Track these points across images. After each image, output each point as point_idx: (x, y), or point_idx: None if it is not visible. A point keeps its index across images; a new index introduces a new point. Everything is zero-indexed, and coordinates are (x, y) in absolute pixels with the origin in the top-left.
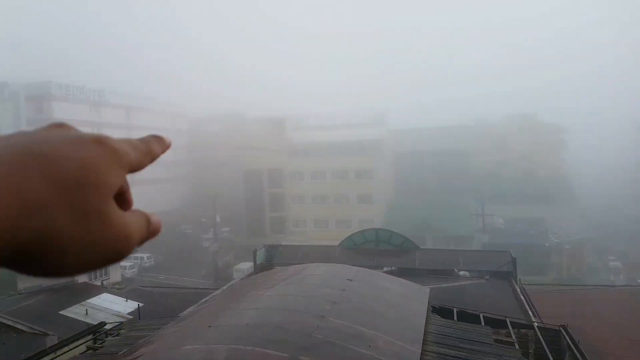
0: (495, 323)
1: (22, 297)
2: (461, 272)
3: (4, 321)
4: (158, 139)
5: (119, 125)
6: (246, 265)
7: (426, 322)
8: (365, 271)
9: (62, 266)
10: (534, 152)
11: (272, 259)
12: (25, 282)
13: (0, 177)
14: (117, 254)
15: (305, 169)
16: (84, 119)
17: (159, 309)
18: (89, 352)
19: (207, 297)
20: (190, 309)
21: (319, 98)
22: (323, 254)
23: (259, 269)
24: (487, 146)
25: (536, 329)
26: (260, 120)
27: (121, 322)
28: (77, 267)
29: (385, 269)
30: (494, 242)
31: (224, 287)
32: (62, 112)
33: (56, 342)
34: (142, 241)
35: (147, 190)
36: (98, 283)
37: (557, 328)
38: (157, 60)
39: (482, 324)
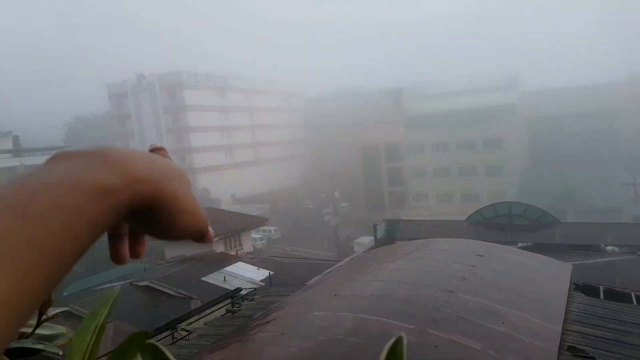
0: None
1: (170, 265)
2: (608, 247)
3: (156, 287)
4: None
5: (242, 109)
6: (366, 240)
7: (568, 300)
8: (497, 247)
9: (177, 224)
10: None
11: (393, 234)
12: (172, 252)
13: (151, 159)
14: (204, 228)
15: (426, 141)
16: (212, 104)
17: (287, 277)
18: (228, 314)
19: (331, 268)
20: (316, 278)
21: (438, 64)
22: (448, 229)
23: (380, 243)
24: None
25: None
26: (376, 93)
27: (255, 289)
28: (185, 228)
29: (520, 244)
30: None
31: (347, 260)
32: (192, 99)
33: (199, 305)
34: (205, 232)
35: (270, 169)
36: (233, 253)
37: None
38: (272, 43)
39: (634, 303)
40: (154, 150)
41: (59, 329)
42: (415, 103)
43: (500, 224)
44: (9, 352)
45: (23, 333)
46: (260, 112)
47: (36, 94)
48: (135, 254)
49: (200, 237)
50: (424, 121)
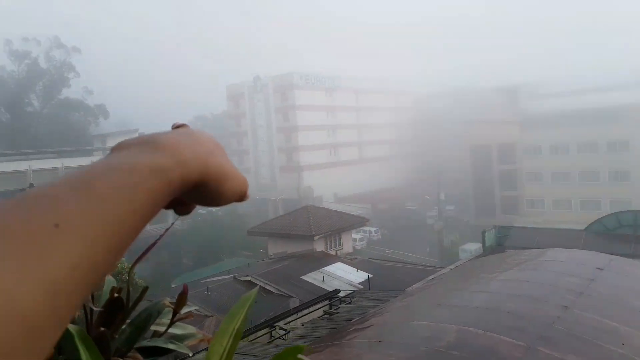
0: None
1: (272, 262)
2: None
3: (258, 282)
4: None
5: (349, 108)
6: (474, 247)
7: None
8: (620, 260)
9: (224, 191)
10: None
11: (503, 242)
12: (275, 249)
13: (193, 138)
14: (245, 189)
15: (543, 143)
16: (321, 104)
17: (386, 281)
18: (325, 316)
19: (434, 275)
20: (417, 284)
21: (556, 61)
22: (565, 239)
23: (489, 251)
24: None
25: None
26: (490, 90)
27: (353, 291)
28: (231, 194)
29: None
30: None
31: (451, 267)
32: (301, 99)
33: (298, 304)
34: (245, 192)
35: (374, 168)
36: (333, 253)
37: None
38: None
39: None
40: (177, 127)
41: (190, 329)
42: (532, 102)
43: (624, 234)
44: (141, 350)
45: (156, 332)
46: (367, 111)
47: (161, 94)
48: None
49: (242, 197)
50: (542, 121)
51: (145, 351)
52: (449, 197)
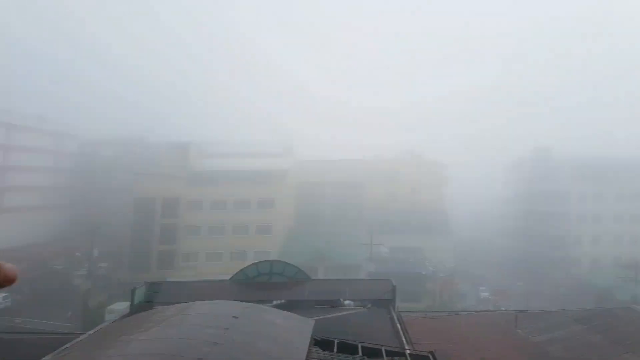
0: (372, 352)
1: None
2: (346, 302)
3: None
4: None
5: None
6: (122, 306)
7: (307, 356)
8: (253, 307)
9: None
10: (419, 186)
11: (153, 298)
12: None
13: None
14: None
15: (206, 198)
16: None
17: (8, 358)
18: None
19: (70, 344)
20: (47, 357)
21: (224, 125)
22: (213, 290)
23: (136, 309)
24: (380, 180)
25: (407, 356)
26: (162, 145)
27: None
28: None
29: (275, 302)
30: (380, 270)
31: (91, 332)
32: None
33: None
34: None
35: (17, 220)
36: None
37: (427, 354)
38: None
39: (360, 354)
40: None
41: None
42: (199, 160)
43: (261, 282)
44: None
45: None
46: (19, 151)
47: None
48: None
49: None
50: (206, 178)
51: None
52: (104, 254)
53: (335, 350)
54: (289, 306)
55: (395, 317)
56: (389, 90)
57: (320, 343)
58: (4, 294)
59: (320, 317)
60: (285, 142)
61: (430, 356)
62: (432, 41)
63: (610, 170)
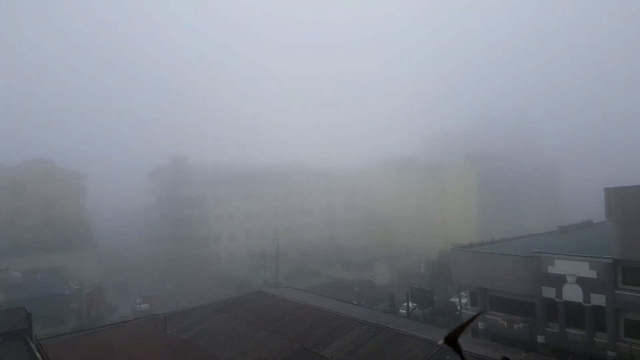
0: None
1: None
2: None
3: None
4: None
5: None
6: None
7: None
8: None
9: None
10: (54, 199)
11: None
12: None
13: None
14: None
15: None
16: None
17: None
18: None
19: None
20: None
21: None
22: None
23: None
24: (2, 193)
25: None
26: None
27: None
28: None
29: None
30: (11, 299)
31: None
32: None
33: None
34: None
35: None
36: None
37: None
38: None
39: None
40: None
41: None
42: None
43: None
44: None
45: None
46: None
47: None
48: None
49: None
50: None
51: None
52: None
53: None
54: None
55: (34, 347)
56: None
57: None
58: None
59: None
60: None
61: None
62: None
63: (238, 175)
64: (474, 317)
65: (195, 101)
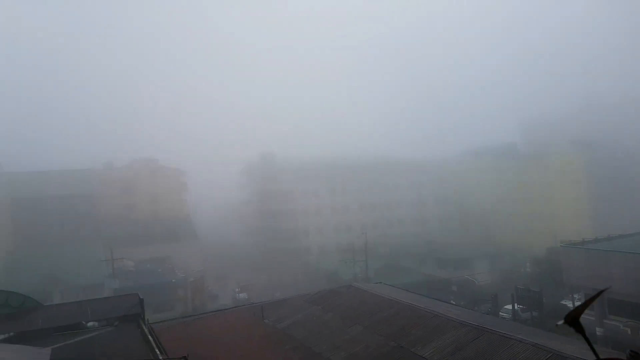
0: None
1: None
2: (89, 324)
3: None
4: None
5: None
6: None
7: None
8: None
9: None
10: (158, 195)
11: None
12: None
13: None
14: None
15: None
16: None
17: None
18: None
19: None
20: None
21: None
22: None
23: None
24: (115, 190)
25: None
26: None
27: None
28: None
29: (1, 336)
30: (126, 285)
31: None
32: None
33: None
34: None
35: None
36: None
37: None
38: None
39: None
40: None
41: None
42: None
43: None
44: None
45: None
46: None
47: None
48: None
49: None
50: None
51: None
52: None
53: None
54: (20, 339)
55: (146, 330)
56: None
57: None
58: None
59: (60, 344)
60: None
61: None
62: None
63: (322, 170)
64: (597, 295)
65: (279, 98)
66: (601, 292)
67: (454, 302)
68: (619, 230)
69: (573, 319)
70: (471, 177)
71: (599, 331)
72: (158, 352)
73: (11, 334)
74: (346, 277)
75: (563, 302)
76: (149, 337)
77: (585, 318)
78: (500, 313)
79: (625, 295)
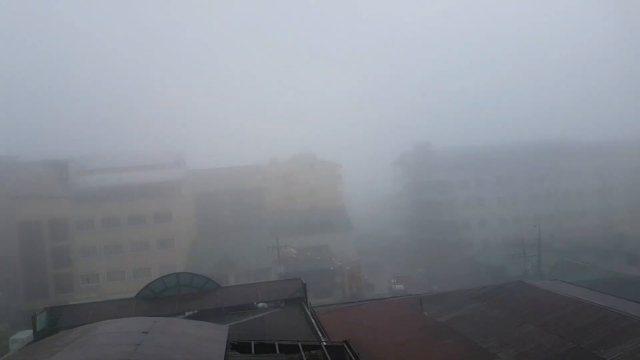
0: (289, 349)
1: None
2: (259, 304)
3: None
4: None
5: None
6: (25, 334)
7: None
8: (163, 320)
9: None
10: (316, 187)
11: (56, 323)
12: None
13: None
14: None
15: (96, 216)
16: None
17: None
18: None
19: None
20: None
21: (105, 138)
22: (119, 309)
23: (40, 336)
24: (278, 184)
25: (324, 348)
26: (38, 164)
27: None
28: None
29: (187, 313)
30: (289, 271)
31: None
32: None
33: None
34: None
35: None
36: None
37: (341, 344)
38: None
39: (277, 352)
40: None
41: None
42: (81, 177)
43: (169, 296)
44: None
45: None
46: None
47: None
48: None
49: None
50: (92, 195)
51: None
52: None
53: (253, 351)
54: (202, 316)
55: (309, 313)
56: (276, 93)
57: (237, 347)
58: None
59: (235, 322)
60: (174, 152)
61: (345, 345)
62: (323, 43)
63: (486, 158)
64: None
65: (431, 84)
66: None
67: None
68: None
69: None
70: None
71: None
72: (320, 335)
73: (195, 311)
74: (514, 274)
75: None
76: (312, 319)
77: None
78: None
79: None
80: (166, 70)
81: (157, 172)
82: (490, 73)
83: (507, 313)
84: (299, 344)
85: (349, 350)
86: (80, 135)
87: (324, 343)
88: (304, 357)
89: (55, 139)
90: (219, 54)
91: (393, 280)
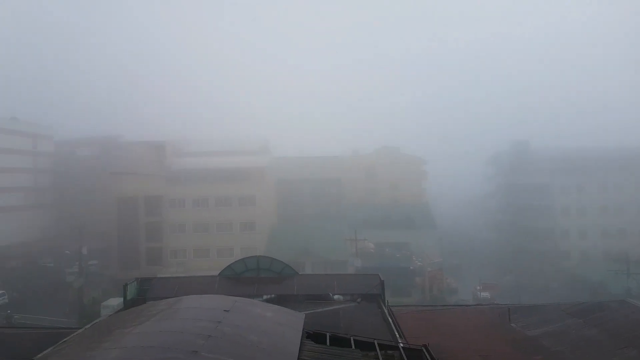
0: (365, 346)
1: None
2: (335, 296)
3: None
4: None
5: None
6: (116, 302)
7: (300, 349)
8: (243, 301)
9: None
10: (399, 182)
11: (145, 293)
12: None
13: None
14: None
15: (187, 196)
16: None
17: (9, 352)
18: None
19: (68, 338)
20: (47, 351)
21: (199, 123)
22: (202, 285)
23: (130, 304)
24: (359, 176)
25: (401, 349)
26: (138, 144)
27: None
28: None
29: (265, 296)
30: (366, 265)
31: (88, 326)
32: None
33: None
34: None
35: (3, 220)
36: None
37: (420, 348)
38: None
39: (353, 347)
40: None
41: None
42: (177, 158)
43: (249, 277)
44: None
45: None
46: None
47: None
48: None
49: None
50: (185, 176)
51: None
52: (93, 252)
53: (327, 343)
54: (279, 301)
55: (386, 311)
56: (368, 88)
57: (313, 336)
58: (0, 291)
59: (311, 311)
60: (261, 139)
61: (424, 350)
62: (413, 42)
63: (590, 162)
64: None
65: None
66: None
67: None
68: None
69: None
70: None
71: None
72: (397, 335)
73: (272, 295)
74: (615, 291)
75: None
76: (389, 318)
77: None
78: None
79: None
80: (265, 66)
81: (244, 157)
82: (601, 70)
83: (606, 334)
84: (375, 342)
85: (428, 356)
86: (177, 119)
87: (402, 345)
88: (380, 356)
89: (155, 122)
90: (315, 52)
91: (478, 287)
